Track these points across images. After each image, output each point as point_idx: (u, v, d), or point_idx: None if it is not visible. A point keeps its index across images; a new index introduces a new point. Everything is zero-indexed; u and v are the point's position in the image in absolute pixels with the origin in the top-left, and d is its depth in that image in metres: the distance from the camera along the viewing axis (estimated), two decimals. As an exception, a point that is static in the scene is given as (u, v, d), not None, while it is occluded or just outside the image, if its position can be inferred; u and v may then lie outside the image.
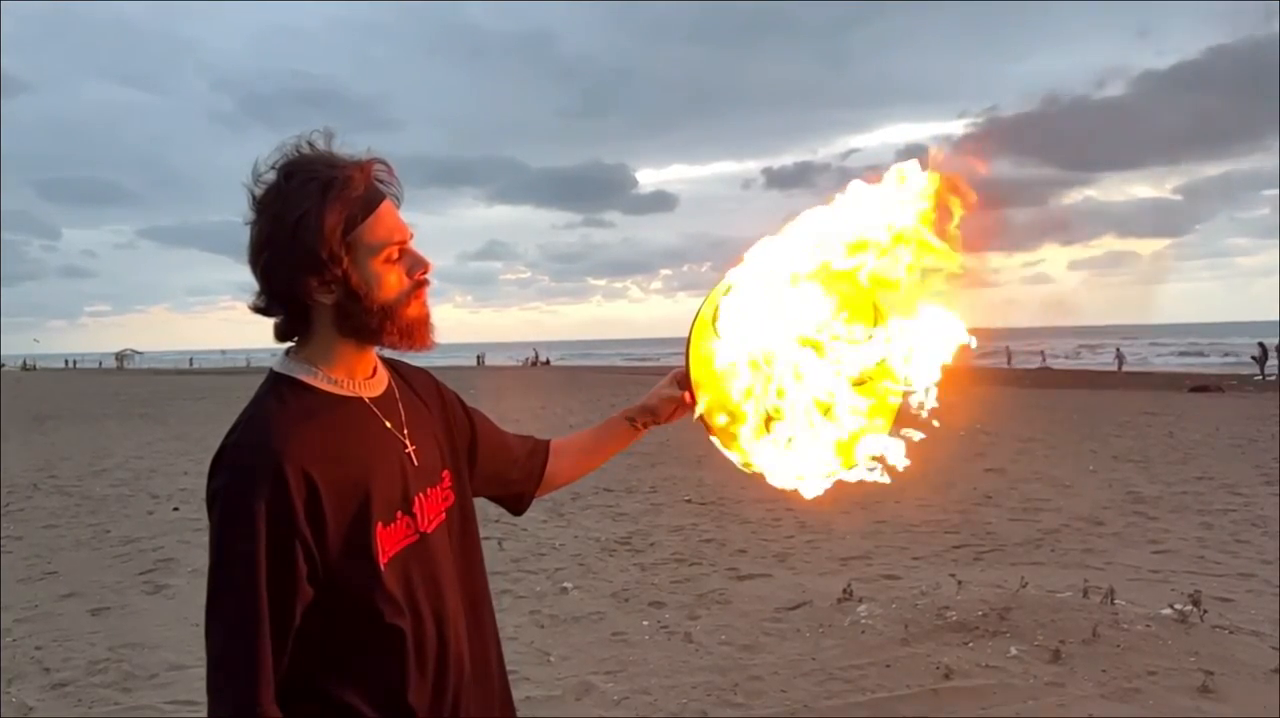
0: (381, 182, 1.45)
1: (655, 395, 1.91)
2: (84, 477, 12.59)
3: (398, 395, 1.55)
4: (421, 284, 1.47)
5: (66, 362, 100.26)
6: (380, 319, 1.43)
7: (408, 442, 1.51)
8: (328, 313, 1.43)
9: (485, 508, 1.75)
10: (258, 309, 1.45)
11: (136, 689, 4.81)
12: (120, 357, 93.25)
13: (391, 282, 1.43)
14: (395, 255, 1.43)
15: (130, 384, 45.05)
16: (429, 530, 1.50)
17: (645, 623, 5.68)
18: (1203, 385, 27.95)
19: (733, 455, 1.84)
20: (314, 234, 1.36)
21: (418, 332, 1.47)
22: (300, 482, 1.33)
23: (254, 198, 1.41)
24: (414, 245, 1.48)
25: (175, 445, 15.71)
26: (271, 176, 1.41)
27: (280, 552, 1.32)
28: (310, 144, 1.42)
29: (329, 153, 1.43)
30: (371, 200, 1.41)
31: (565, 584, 6.63)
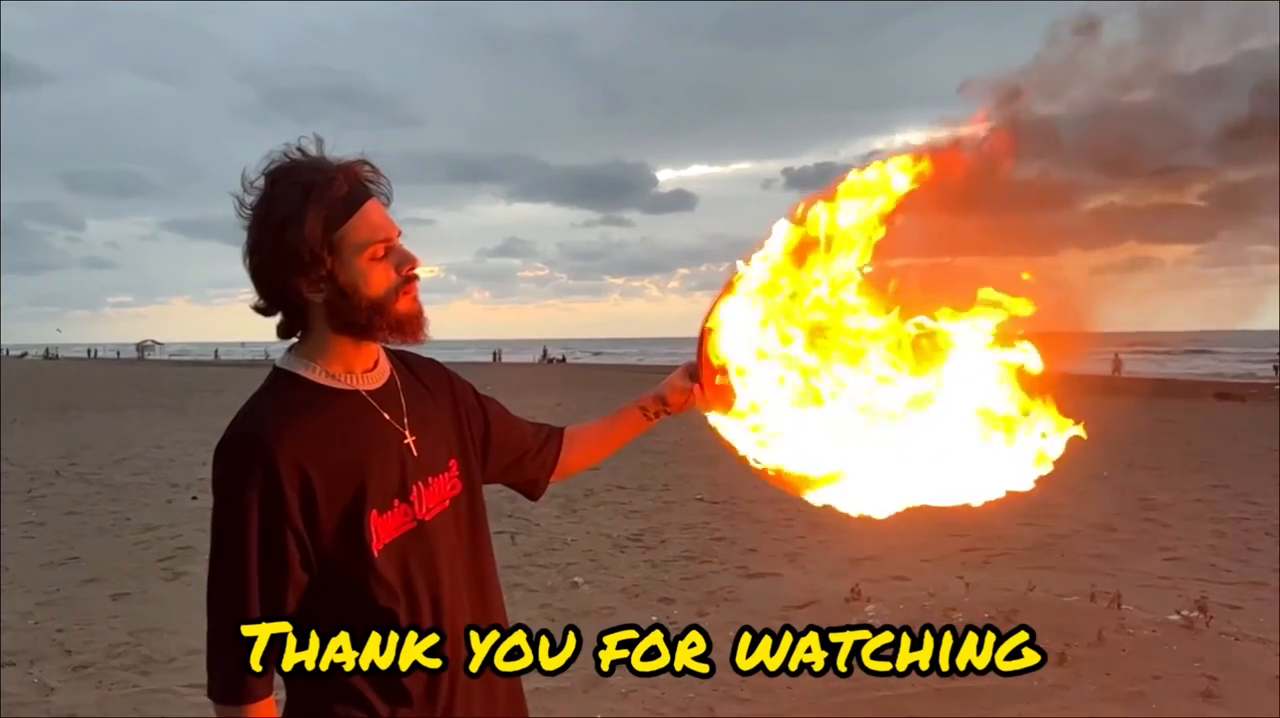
0: (369, 181, 1.49)
1: (668, 385, 1.97)
2: (105, 465, 12.78)
3: (399, 387, 1.59)
4: (410, 279, 1.51)
5: (88, 351, 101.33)
6: (369, 315, 1.47)
7: (407, 433, 1.55)
8: (320, 310, 1.48)
9: (499, 503, 1.81)
10: (258, 309, 1.50)
11: (155, 673, 4.92)
12: (141, 347, 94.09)
13: (378, 278, 1.47)
14: (381, 253, 1.47)
15: (151, 375, 45.49)
16: (427, 519, 1.53)
17: (654, 619, 5.74)
18: (1225, 393, 27.63)
19: (740, 445, 1.90)
20: (297, 236, 1.40)
21: (409, 326, 1.51)
22: (293, 472, 1.39)
23: (242, 204, 1.46)
24: (403, 242, 1.51)
25: (194, 436, 15.87)
26: (261, 183, 1.46)
27: (272, 540, 1.39)
28: (301, 149, 1.47)
29: (317, 157, 1.47)
30: (355, 200, 1.45)
31: (576, 579, 6.70)
